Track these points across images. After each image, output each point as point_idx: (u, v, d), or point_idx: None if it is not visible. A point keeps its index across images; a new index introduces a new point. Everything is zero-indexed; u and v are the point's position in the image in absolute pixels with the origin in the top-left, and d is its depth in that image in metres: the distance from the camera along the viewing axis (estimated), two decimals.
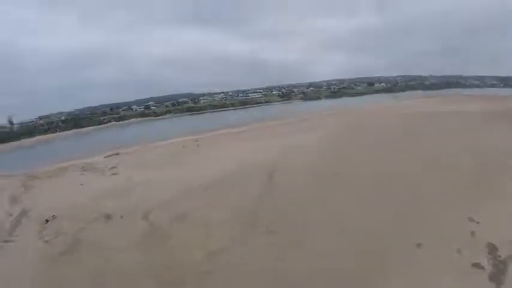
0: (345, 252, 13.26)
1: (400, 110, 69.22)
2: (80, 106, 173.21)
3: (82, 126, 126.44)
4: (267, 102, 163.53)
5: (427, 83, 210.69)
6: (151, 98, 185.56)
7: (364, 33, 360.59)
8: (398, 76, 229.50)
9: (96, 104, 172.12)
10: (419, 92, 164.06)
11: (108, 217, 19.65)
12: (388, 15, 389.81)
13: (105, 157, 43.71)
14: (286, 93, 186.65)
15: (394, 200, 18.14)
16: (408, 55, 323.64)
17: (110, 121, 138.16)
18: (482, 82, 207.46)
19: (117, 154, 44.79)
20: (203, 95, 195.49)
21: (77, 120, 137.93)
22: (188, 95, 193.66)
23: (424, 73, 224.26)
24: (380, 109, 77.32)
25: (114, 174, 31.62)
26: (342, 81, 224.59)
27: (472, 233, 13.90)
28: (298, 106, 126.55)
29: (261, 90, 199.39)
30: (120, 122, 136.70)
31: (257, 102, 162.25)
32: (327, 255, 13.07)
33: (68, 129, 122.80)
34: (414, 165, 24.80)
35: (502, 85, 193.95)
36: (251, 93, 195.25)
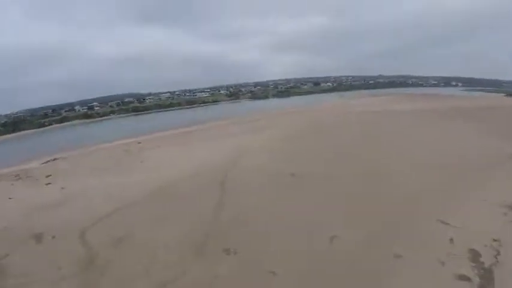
0: (315, 271, 11.89)
1: (350, 108, 71.71)
2: (21, 108, 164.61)
3: (22, 130, 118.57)
4: (214, 101, 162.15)
5: (371, 82, 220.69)
6: (96, 98, 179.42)
7: (314, 34, 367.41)
8: (345, 76, 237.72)
9: (38, 106, 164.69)
10: (364, 92, 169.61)
11: (38, 238, 17.27)
12: (341, 19, 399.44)
13: (42, 163, 41.10)
14: (234, 93, 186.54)
15: (360, 203, 17.38)
16: (357, 57, 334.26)
17: (51, 123, 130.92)
18: (425, 82, 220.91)
19: (54, 160, 42.34)
20: (149, 94, 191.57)
21: (17, 123, 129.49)
22: (134, 95, 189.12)
23: (373, 73, 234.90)
24: (330, 108, 79.37)
25: (48, 183, 29.47)
26: (288, 81, 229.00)
27: (451, 240, 12.97)
28: (247, 105, 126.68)
29: (208, 90, 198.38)
30: (62, 123, 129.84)
31: (204, 102, 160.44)
32: (296, 278, 11.66)
33: (8, 133, 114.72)
34: (378, 165, 24.74)
35: (442, 84, 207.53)
36: (198, 92, 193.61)
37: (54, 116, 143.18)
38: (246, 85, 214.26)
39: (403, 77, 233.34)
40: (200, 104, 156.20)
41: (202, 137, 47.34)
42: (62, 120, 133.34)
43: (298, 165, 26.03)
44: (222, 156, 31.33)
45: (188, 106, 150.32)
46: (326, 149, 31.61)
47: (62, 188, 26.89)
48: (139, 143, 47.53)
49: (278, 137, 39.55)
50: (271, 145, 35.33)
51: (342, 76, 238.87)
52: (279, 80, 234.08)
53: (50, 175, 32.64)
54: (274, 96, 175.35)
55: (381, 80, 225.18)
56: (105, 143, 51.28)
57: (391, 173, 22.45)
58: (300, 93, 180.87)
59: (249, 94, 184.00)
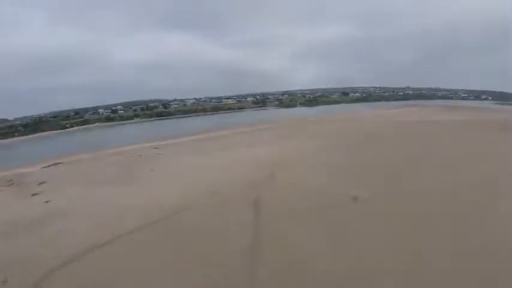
0: None
1: (392, 118, 63.45)
2: (46, 111, 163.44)
3: (43, 131, 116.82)
4: (240, 108, 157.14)
5: (400, 93, 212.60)
6: (121, 103, 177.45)
7: (341, 44, 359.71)
8: (373, 87, 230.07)
9: (63, 109, 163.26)
10: (394, 103, 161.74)
11: None
12: (366, 28, 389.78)
13: (43, 167, 35.70)
14: (261, 100, 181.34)
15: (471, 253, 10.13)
16: (384, 67, 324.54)
17: (72, 126, 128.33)
18: (455, 94, 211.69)
19: (57, 164, 36.94)
20: (175, 100, 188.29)
21: (38, 124, 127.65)
22: (159, 101, 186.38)
23: (400, 85, 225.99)
24: (371, 117, 70.94)
25: (35, 194, 23.33)
26: (315, 90, 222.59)
27: None
28: (275, 112, 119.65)
29: (235, 97, 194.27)
30: (84, 126, 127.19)
31: (230, 108, 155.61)
32: None
33: (28, 134, 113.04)
34: (470, 185, 16.83)
35: (472, 97, 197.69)
36: (224, 99, 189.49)
37: (76, 118, 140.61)
38: (273, 94, 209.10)
39: (432, 89, 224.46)
40: (226, 110, 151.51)
41: (228, 143, 40.50)
42: (83, 123, 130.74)
43: (358, 183, 18.34)
44: (253, 168, 24.12)
45: (213, 112, 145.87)
46: (387, 162, 23.47)
47: (47, 201, 20.58)
48: (156, 148, 41.61)
49: (321, 146, 31.97)
50: (314, 155, 27.74)
51: (369, 87, 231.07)
52: (306, 89, 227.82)
53: (43, 182, 26.85)
54: (302, 104, 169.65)
55: (410, 92, 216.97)
56: (120, 147, 45.58)
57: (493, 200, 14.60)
58: (328, 103, 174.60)
59: (276, 102, 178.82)
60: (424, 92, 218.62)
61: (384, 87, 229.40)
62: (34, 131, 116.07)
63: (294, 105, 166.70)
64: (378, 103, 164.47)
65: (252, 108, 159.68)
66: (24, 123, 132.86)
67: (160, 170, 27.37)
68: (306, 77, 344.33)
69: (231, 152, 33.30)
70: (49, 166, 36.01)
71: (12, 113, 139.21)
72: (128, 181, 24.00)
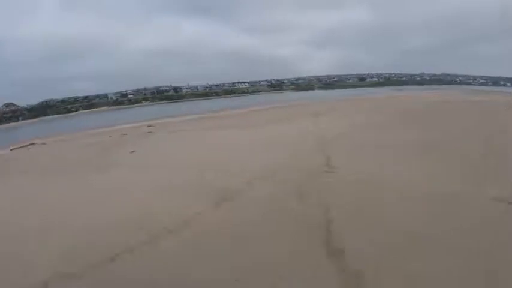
0: None
1: (431, 98, 54.01)
2: (58, 97, 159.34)
3: (47, 115, 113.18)
4: (255, 91, 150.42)
5: (418, 79, 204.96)
6: (134, 89, 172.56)
7: (354, 29, 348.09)
8: (387, 73, 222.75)
9: (74, 95, 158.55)
10: (417, 87, 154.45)
11: None
12: (380, 13, 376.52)
13: (11, 149, 29.67)
14: (276, 84, 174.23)
15: None
16: (398, 53, 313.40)
17: (78, 109, 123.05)
18: (473, 80, 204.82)
19: (28, 145, 31.07)
20: (188, 85, 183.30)
21: (44, 108, 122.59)
22: (172, 87, 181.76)
23: (415, 71, 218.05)
24: (406, 97, 61.14)
25: None
26: (330, 76, 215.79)
27: None
28: (293, 95, 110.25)
29: (248, 83, 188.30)
30: (89, 110, 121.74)
31: (244, 92, 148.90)
32: None
33: (32, 118, 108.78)
34: None
35: (491, 83, 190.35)
36: (237, 83, 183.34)
37: (83, 102, 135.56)
38: (287, 79, 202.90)
39: (448, 75, 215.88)
40: (240, 94, 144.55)
41: (247, 121, 32.15)
42: (89, 107, 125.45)
43: (483, 177, 10.33)
44: (290, 152, 15.44)
45: (227, 95, 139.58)
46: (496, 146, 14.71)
47: None
48: (149, 126, 35.00)
49: (374, 123, 23.55)
50: (374, 134, 19.15)
51: (384, 73, 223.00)
52: (321, 75, 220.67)
53: None
54: (319, 88, 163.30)
55: (427, 78, 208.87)
56: (109, 127, 39.03)
57: None
58: (345, 87, 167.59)
59: (292, 86, 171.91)
60: (441, 77, 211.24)
61: (398, 73, 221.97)
62: (38, 115, 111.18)
63: (312, 89, 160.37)
64: (399, 87, 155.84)
65: (268, 91, 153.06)
66: (29, 107, 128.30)
67: (142, 151, 19.84)
68: (319, 63, 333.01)
69: (255, 130, 24.95)
70: (21, 147, 30.50)
71: (25, 99, 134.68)
72: (95, 167, 16.30)
